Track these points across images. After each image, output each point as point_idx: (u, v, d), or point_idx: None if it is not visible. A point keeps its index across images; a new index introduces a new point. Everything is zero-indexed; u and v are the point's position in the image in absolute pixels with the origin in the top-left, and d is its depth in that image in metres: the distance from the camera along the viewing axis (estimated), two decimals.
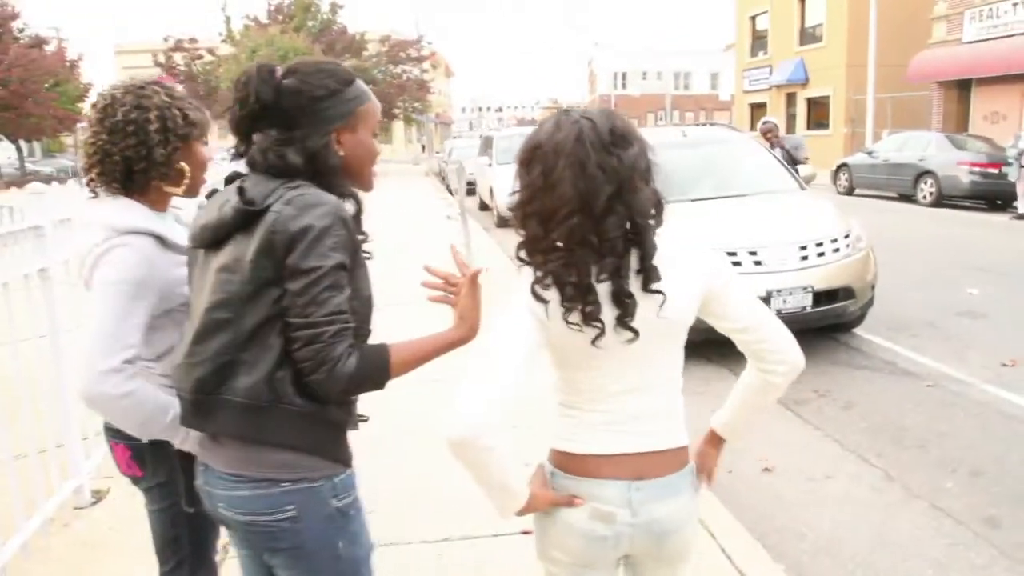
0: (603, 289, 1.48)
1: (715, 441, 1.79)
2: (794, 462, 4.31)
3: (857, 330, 6.60)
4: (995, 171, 15.12)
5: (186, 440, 1.85)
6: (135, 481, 2.05)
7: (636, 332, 1.49)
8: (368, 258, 1.67)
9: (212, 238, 1.60)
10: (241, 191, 1.57)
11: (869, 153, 18.74)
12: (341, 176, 1.64)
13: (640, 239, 1.47)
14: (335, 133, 1.62)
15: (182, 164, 1.94)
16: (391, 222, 14.29)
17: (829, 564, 3.32)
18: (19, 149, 34.38)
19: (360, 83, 1.69)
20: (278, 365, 1.52)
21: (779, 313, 5.60)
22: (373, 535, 1.79)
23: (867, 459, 4.31)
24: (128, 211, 1.88)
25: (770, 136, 8.65)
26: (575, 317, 1.48)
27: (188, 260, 1.73)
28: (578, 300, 1.47)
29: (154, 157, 1.88)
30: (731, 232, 5.85)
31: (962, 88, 22.09)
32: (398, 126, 54.80)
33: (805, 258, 5.87)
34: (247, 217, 1.53)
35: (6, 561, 3.01)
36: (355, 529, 1.70)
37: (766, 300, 5.58)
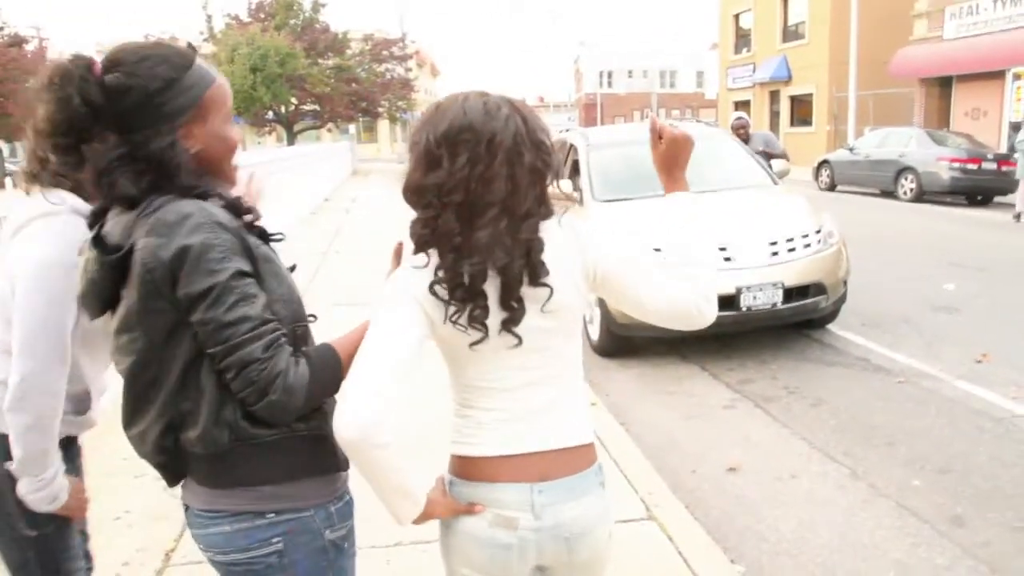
0: (493, 292, 1.41)
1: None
2: (760, 461, 4.24)
3: (831, 326, 6.54)
4: (975, 167, 15.14)
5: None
6: None
7: (520, 339, 1.43)
8: (280, 239, 1.51)
9: (100, 306, 1.44)
10: (100, 241, 1.39)
11: (850, 150, 18.73)
12: (195, 175, 1.42)
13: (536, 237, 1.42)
14: (182, 129, 1.40)
15: None
16: (368, 223, 14.22)
17: (789, 565, 3.25)
18: None
19: (201, 64, 1.44)
20: (220, 404, 1.37)
21: (749, 310, 5.55)
22: None
23: (834, 457, 4.24)
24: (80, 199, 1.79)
25: (742, 132, 8.63)
26: (462, 320, 1.40)
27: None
28: (468, 302, 1.39)
29: None
30: (700, 228, 5.75)
31: (943, 85, 22.15)
32: (383, 125, 54.62)
33: (775, 254, 5.79)
34: (118, 267, 1.35)
35: None
36: (344, 564, 1.55)
37: (735, 296, 5.51)
